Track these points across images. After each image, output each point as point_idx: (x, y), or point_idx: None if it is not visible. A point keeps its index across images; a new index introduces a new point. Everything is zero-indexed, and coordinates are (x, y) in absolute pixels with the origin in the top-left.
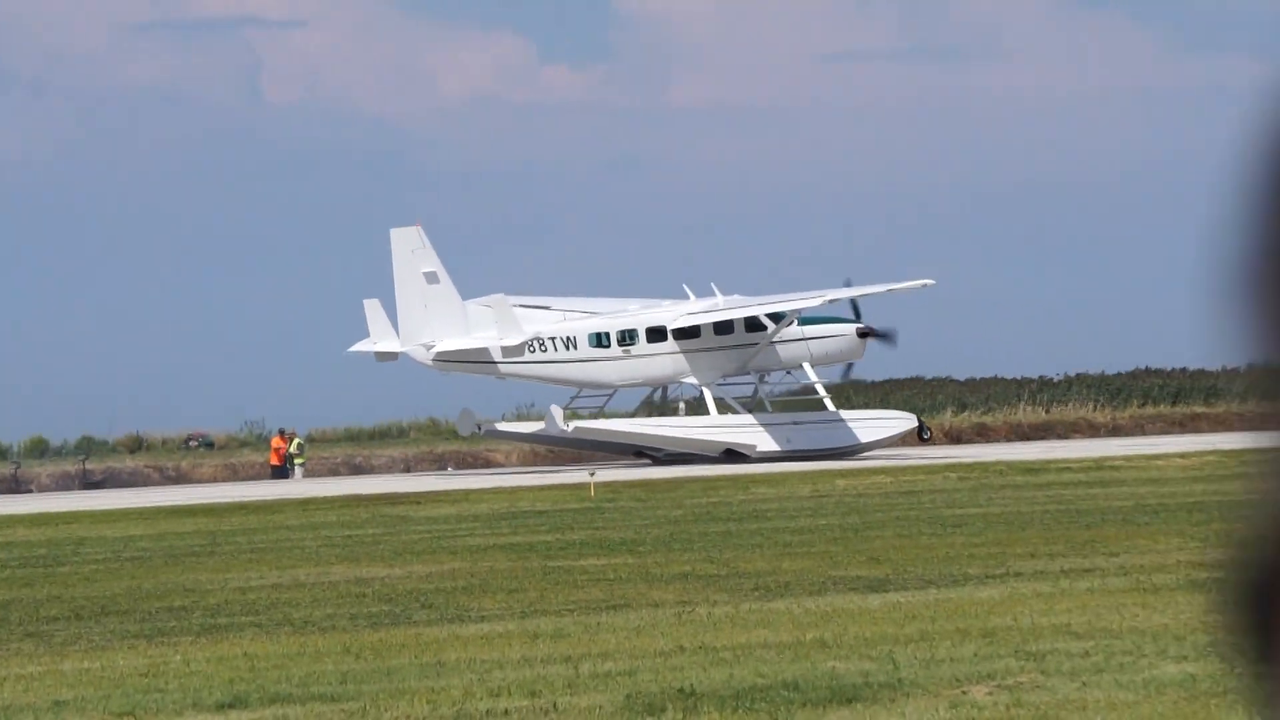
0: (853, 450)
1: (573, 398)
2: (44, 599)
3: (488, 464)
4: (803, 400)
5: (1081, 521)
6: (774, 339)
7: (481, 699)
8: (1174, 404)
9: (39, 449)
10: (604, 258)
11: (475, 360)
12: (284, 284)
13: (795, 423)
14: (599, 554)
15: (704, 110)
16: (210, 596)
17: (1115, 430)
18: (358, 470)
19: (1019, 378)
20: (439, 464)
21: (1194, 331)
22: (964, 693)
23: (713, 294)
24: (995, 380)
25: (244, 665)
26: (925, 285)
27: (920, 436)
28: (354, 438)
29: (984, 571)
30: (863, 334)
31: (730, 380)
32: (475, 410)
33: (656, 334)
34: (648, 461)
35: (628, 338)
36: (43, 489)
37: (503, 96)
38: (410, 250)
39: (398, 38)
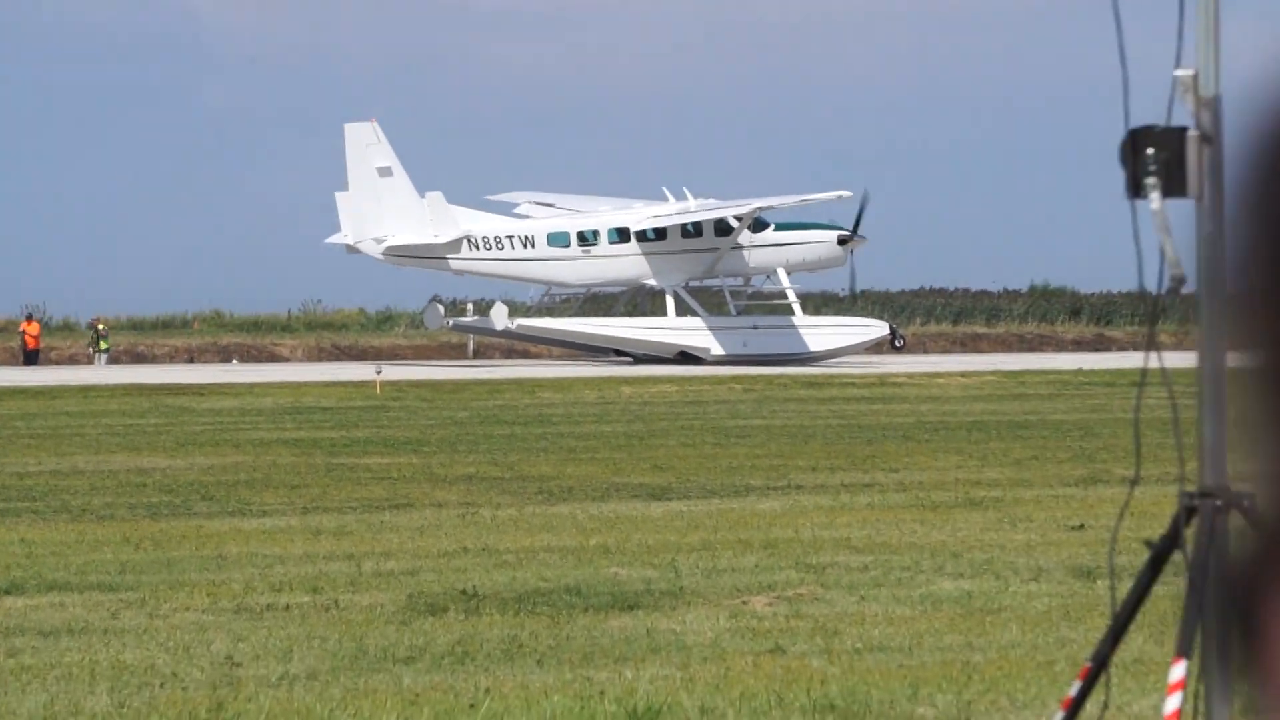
0: (814, 357)
1: (542, 295)
2: None
3: (272, 358)
4: (770, 305)
5: (863, 437)
6: (748, 244)
7: (263, 593)
8: (956, 323)
9: None
10: (402, 153)
11: (427, 255)
12: (66, 167)
13: (754, 327)
14: (383, 452)
15: (504, 7)
16: None
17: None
18: (140, 359)
19: (803, 290)
20: (223, 356)
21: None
22: (744, 603)
23: (685, 197)
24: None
25: (21, 551)
26: (840, 197)
27: (893, 345)
28: (137, 326)
29: (766, 483)
30: (842, 241)
31: (703, 281)
32: (440, 303)
33: (620, 235)
34: (629, 360)
35: (589, 238)
36: None
37: None
38: (364, 145)
39: None
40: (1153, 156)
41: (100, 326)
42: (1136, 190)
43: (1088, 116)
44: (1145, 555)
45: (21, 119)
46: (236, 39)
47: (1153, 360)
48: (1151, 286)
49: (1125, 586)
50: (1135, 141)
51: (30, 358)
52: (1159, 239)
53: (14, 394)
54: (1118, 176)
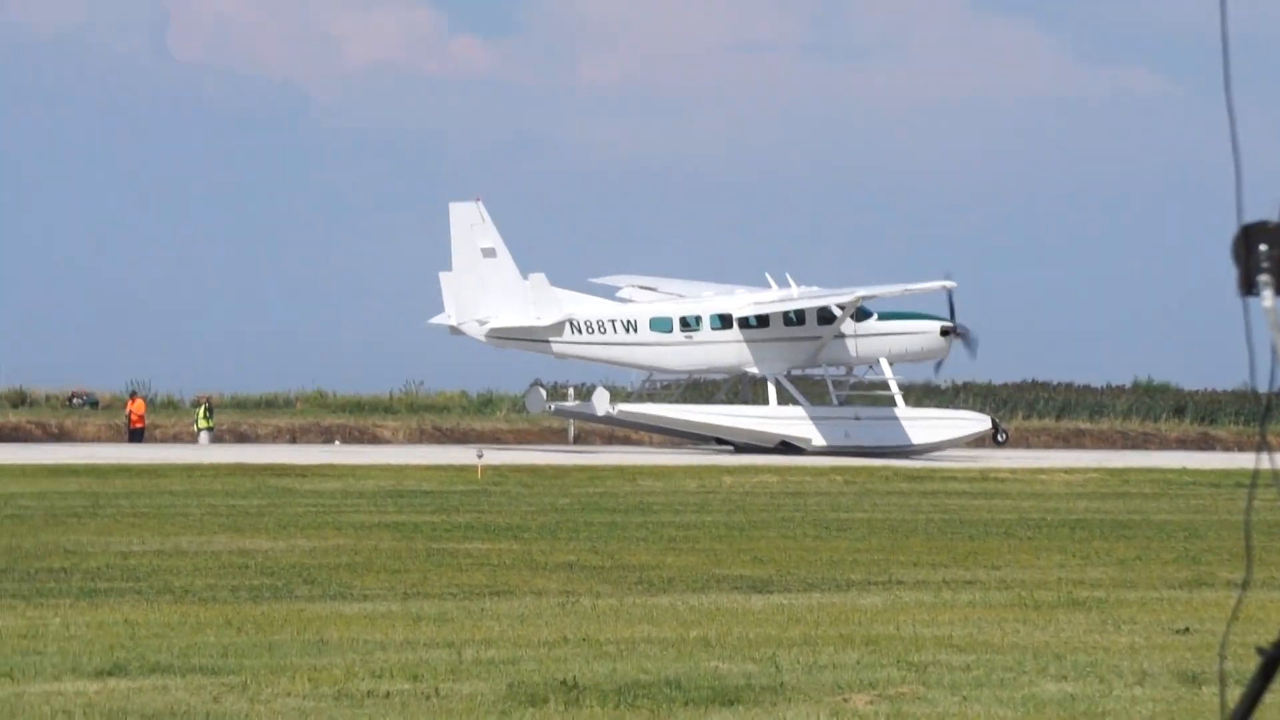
0: (916, 450)
1: (644, 381)
2: None
3: (375, 439)
4: (872, 396)
5: (965, 532)
6: (851, 334)
7: (363, 680)
8: (1059, 418)
9: None
10: (506, 234)
11: (529, 338)
12: (171, 245)
13: (856, 418)
14: (484, 538)
15: (611, 89)
16: (91, 559)
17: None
18: (243, 438)
19: (904, 381)
20: (325, 436)
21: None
22: (845, 700)
23: (788, 284)
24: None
25: (124, 632)
26: (946, 287)
27: (995, 439)
28: (240, 405)
29: (867, 578)
30: (945, 332)
31: (804, 371)
32: (543, 388)
33: (723, 321)
34: (731, 448)
35: (691, 323)
36: None
37: (411, 65)
38: (469, 225)
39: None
40: (1265, 253)
41: (207, 404)
42: (1249, 287)
43: (1198, 210)
44: (1254, 661)
45: (127, 194)
46: (342, 117)
47: (1263, 461)
48: (1262, 385)
49: (1233, 693)
50: (1248, 237)
51: (135, 435)
52: (1271, 337)
53: (120, 472)
54: (1228, 272)
